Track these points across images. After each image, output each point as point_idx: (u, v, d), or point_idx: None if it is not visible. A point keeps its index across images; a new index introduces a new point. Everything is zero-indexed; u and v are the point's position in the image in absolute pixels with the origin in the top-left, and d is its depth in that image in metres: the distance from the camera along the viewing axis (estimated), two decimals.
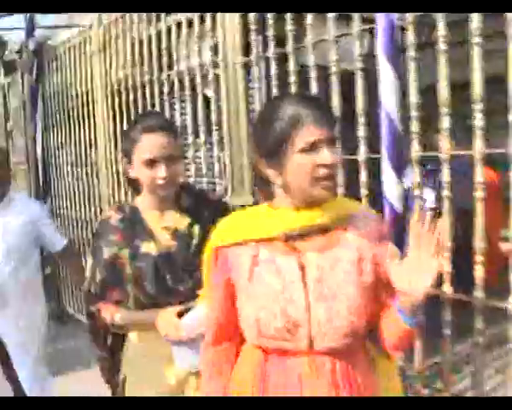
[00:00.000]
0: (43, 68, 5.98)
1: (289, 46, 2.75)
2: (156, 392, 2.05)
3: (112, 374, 2.26)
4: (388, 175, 2.34)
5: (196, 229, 2.08)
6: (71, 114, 5.48)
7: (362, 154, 2.52)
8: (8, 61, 7.79)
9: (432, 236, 1.42)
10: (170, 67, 3.87)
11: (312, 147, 1.45)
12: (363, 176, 2.53)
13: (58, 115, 5.80)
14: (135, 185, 2.15)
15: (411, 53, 2.27)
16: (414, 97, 2.29)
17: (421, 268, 1.43)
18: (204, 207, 2.14)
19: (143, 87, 4.19)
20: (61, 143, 5.76)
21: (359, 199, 2.50)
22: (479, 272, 2.19)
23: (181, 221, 2.09)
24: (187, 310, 1.96)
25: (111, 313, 2.09)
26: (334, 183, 1.53)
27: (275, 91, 2.84)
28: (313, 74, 2.67)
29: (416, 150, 2.32)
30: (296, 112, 1.46)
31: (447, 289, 2.29)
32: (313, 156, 1.45)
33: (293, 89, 2.74)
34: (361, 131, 2.51)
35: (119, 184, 4.69)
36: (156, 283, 2.02)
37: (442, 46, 2.16)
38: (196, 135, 3.65)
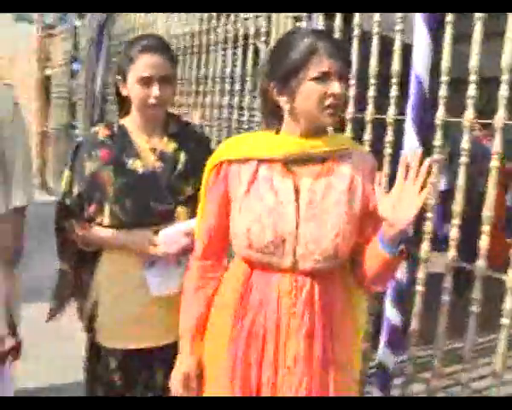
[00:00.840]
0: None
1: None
2: (129, 317, 2.10)
3: (76, 295, 2.25)
4: (410, 137, 2.46)
5: (181, 155, 2.12)
6: None
7: (389, 114, 2.64)
8: None
9: (420, 172, 1.53)
10: (227, 17, 4.05)
11: (324, 77, 1.55)
12: (389, 135, 2.65)
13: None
14: (125, 105, 2.17)
15: (448, 18, 2.36)
16: (446, 62, 2.38)
17: (405, 200, 1.53)
18: (190, 137, 2.19)
19: (200, 35, 4.39)
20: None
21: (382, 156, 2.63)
22: (483, 242, 2.27)
23: (168, 145, 2.13)
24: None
25: (85, 229, 2.10)
26: (339, 113, 1.64)
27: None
28: (356, 32, 2.79)
29: (441, 115, 2.42)
30: (314, 42, 1.56)
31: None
32: (324, 85, 1.56)
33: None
34: (392, 92, 2.62)
35: None
36: (137, 199, 2.06)
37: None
38: (243, 83, 3.83)
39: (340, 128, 2.34)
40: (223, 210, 1.75)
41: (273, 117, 1.73)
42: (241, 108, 3.86)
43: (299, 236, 1.63)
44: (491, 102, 2.37)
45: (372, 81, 2.72)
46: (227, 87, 4.05)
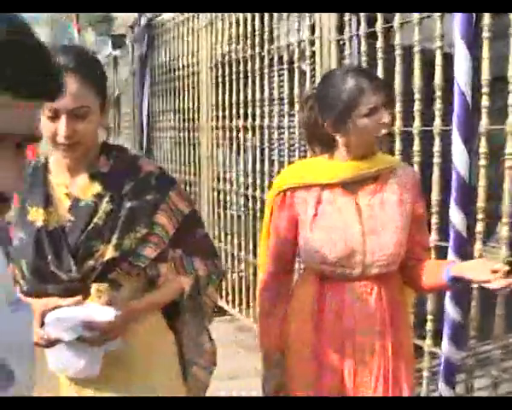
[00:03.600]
0: (153, 41, 6.52)
1: (378, 26, 3.07)
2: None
3: None
4: (457, 145, 2.64)
5: (104, 203, 1.61)
6: (176, 84, 5.97)
7: (437, 125, 2.82)
8: (118, 35, 8.41)
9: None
10: (271, 42, 4.28)
11: (373, 111, 1.79)
12: (437, 145, 2.83)
13: (164, 85, 6.33)
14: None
15: (486, 34, 2.54)
16: (486, 74, 2.57)
17: (485, 272, 1.69)
18: (129, 178, 1.65)
19: (245, 61, 4.62)
20: (166, 109, 6.28)
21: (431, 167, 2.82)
22: (504, 232, 2.51)
23: (87, 190, 1.63)
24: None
25: None
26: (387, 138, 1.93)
27: (365, 66, 3.17)
28: (398, 52, 2.98)
29: (485, 124, 2.60)
30: (359, 83, 1.79)
31: None
32: (374, 118, 1.79)
33: (380, 65, 3.08)
34: (437, 104, 2.80)
35: (217, 148, 5.18)
36: (33, 262, 1.58)
37: None
38: (291, 105, 4.04)
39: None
40: (291, 234, 1.97)
41: (322, 146, 1.97)
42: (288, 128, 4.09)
43: (366, 247, 1.87)
44: None
45: (417, 96, 2.91)
46: (276, 109, 4.28)
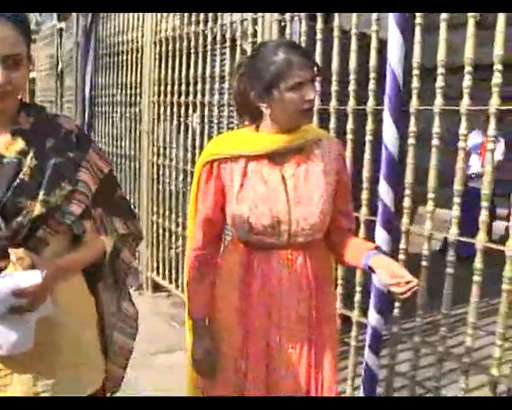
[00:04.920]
0: (97, 14, 6.45)
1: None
2: None
3: None
4: (387, 124, 2.77)
5: (29, 159, 1.58)
6: (120, 58, 5.95)
7: (369, 105, 2.95)
8: None
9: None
10: (215, 21, 4.35)
11: (299, 86, 1.82)
12: (369, 124, 2.97)
13: (108, 58, 6.29)
14: None
15: (418, 20, 2.68)
16: (417, 58, 2.72)
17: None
18: (50, 135, 1.64)
19: (189, 38, 4.67)
20: (109, 84, 6.25)
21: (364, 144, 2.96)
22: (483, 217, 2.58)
23: (10, 147, 1.59)
24: None
25: None
26: (313, 113, 1.99)
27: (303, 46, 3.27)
28: (336, 33, 3.10)
29: (414, 104, 2.75)
30: (288, 57, 1.82)
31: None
32: (300, 93, 1.83)
33: (318, 45, 3.19)
34: (371, 85, 2.93)
35: (158, 123, 5.21)
36: None
37: None
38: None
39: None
40: (218, 204, 2.01)
41: (250, 116, 2.02)
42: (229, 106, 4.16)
43: (291, 217, 1.93)
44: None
45: (352, 76, 3.04)
46: (217, 86, 4.35)
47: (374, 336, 2.96)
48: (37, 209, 1.53)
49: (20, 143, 1.59)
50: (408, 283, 1.77)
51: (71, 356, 1.69)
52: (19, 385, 1.61)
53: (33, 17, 10.49)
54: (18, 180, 1.54)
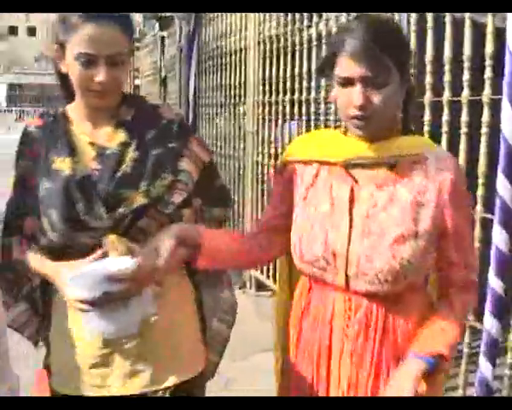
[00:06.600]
0: (200, 18, 6.55)
1: None
2: (74, 352, 1.64)
3: (39, 333, 1.79)
4: (507, 113, 2.57)
5: (131, 151, 1.60)
6: (223, 60, 6.00)
7: (486, 94, 2.77)
8: (165, 17, 8.51)
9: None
10: (320, 15, 4.27)
11: (348, 82, 1.38)
12: (486, 115, 2.78)
13: (210, 61, 6.36)
14: (67, 86, 1.66)
15: None
16: None
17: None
18: (151, 126, 1.66)
19: (293, 34, 4.61)
20: (212, 86, 6.31)
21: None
22: None
23: (113, 138, 1.62)
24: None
25: (23, 253, 1.66)
26: (368, 124, 1.41)
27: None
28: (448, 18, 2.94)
29: None
30: (341, 40, 1.39)
31: None
32: (348, 92, 1.39)
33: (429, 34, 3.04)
34: (488, 73, 2.76)
35: (263, 125, 5.19)
36: (63, 211, 1.54)
37: None
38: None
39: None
40: (284, 205, 1.63)
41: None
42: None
43: (349, 252, 1.45)
44: None
45: (467, 64, 2.85)
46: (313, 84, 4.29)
47: (489, 343, 2.77)
48: (140, 200, 1.56)
49: (121, 135, 1.62)
50: None
51: (172, 340, 1.68)
52: (120, 366, 1.63)
53: (137, 27, 10.92)
54: (120, 172, 1.58)
